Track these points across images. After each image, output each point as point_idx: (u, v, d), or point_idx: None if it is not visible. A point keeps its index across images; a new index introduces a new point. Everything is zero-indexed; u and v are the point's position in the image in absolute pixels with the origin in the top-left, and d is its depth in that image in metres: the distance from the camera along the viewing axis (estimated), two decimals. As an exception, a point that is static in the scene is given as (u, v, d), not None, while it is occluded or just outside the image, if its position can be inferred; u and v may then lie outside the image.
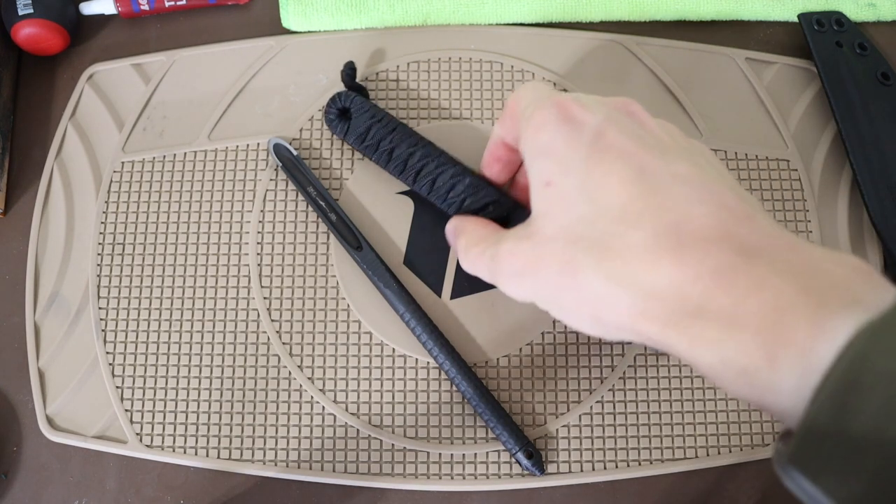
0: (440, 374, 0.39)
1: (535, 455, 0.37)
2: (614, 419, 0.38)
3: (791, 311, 0.23)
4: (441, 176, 0.35)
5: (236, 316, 0.40)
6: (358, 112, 0.37)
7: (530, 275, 0.29)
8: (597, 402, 0.38)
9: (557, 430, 0.38)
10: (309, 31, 0.45)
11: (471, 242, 0.33)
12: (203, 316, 0.40)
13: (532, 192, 0.29)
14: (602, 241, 0.26)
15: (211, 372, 0.40)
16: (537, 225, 0.29)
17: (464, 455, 0.38)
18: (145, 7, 0.45)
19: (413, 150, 0.35)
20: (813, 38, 0.43)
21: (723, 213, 0.25)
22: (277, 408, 0.39)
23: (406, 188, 0.41)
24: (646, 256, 0.25)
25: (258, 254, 0.41)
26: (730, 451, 0.38)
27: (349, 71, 0.39)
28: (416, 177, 0.35)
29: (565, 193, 0.28)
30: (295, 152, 0.42)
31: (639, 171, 0.27)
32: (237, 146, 0.43)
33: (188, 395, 0.39)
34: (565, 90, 0.43)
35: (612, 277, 0.26)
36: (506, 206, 0.34)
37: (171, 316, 0.40)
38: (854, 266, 0.24)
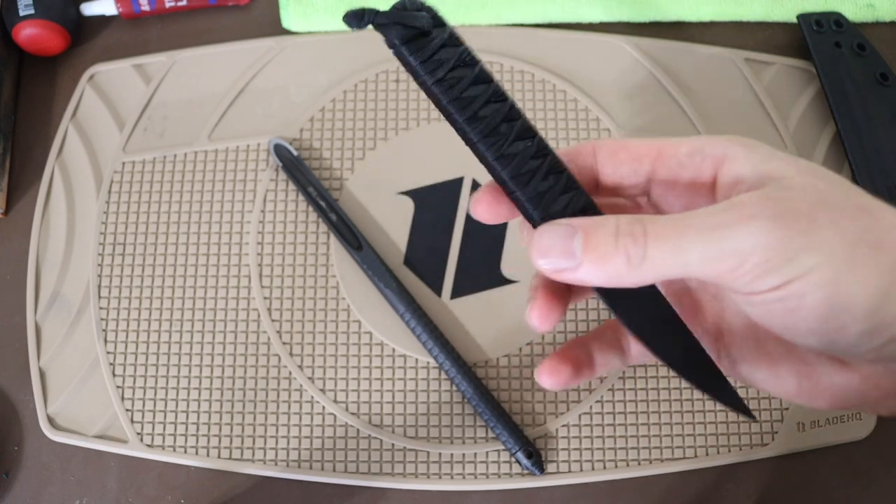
0: (440, 374, 0.39)
1: (534, 455, 0.37)
2: (614, 419, 0.38)
3: None
4: (536, 159, 0.24)
5: (237, 316, 0.40)
6: (444, 41, 0.23)
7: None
8: (596, 401, 0.38)
9: (557, 429, 0.38)
10: (309, 32, 0.45)
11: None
12: (203, 316, 0.40)
13: None
14: None
15: (211, 372, 0.40)
16: None
17: (464, 455, 0.38)
18: (146, 8, 0.45)
19: (511, 112, 0.24)
20: (812, 39, 0.43)
21: None
22: (278, 407, 0.39)
23: (406, 188, 0.41)
24: None
25: (258, 254, 0.41)
26: (729, 451, 0.38)
27: None
28: (504, 143, 0.24)
29: None
30: (295, 152, 0.42)
31: None
32: (237, 146, 0.43)
33: (189, 395, 0.39)
34: (565, 91, 0.43)
35: None
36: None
37: (171, 316, 0.40)
38: None
